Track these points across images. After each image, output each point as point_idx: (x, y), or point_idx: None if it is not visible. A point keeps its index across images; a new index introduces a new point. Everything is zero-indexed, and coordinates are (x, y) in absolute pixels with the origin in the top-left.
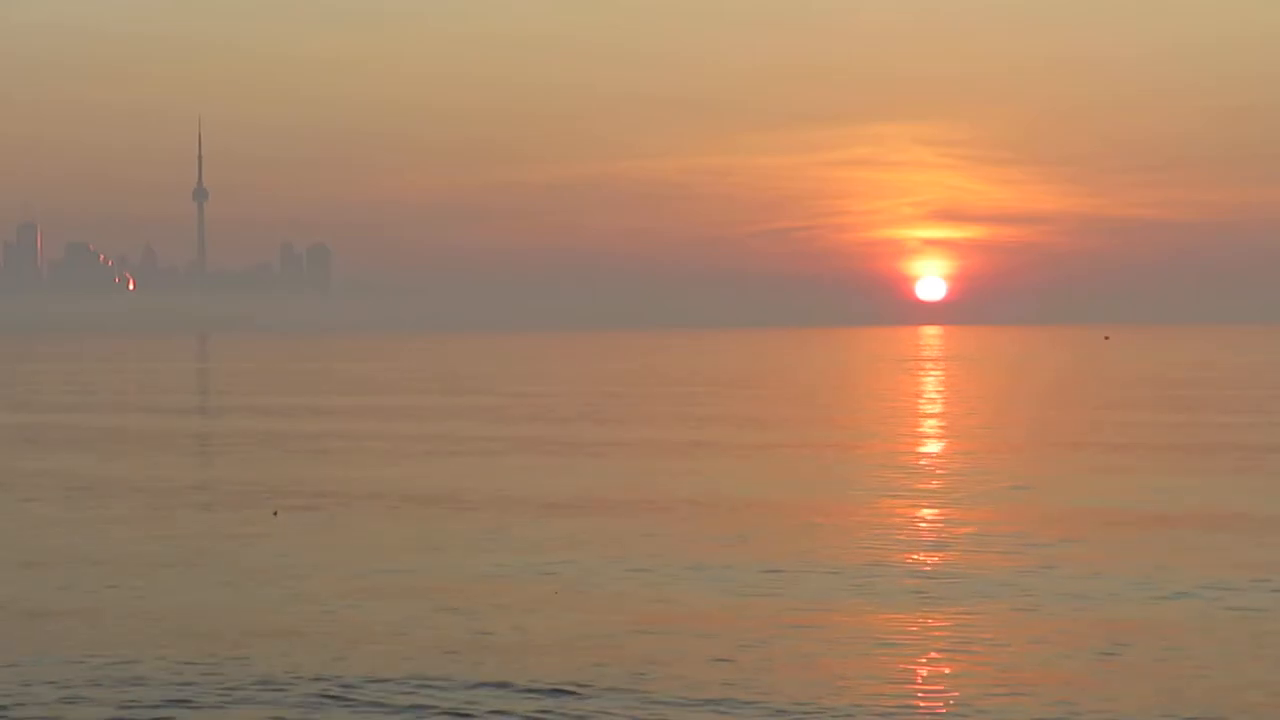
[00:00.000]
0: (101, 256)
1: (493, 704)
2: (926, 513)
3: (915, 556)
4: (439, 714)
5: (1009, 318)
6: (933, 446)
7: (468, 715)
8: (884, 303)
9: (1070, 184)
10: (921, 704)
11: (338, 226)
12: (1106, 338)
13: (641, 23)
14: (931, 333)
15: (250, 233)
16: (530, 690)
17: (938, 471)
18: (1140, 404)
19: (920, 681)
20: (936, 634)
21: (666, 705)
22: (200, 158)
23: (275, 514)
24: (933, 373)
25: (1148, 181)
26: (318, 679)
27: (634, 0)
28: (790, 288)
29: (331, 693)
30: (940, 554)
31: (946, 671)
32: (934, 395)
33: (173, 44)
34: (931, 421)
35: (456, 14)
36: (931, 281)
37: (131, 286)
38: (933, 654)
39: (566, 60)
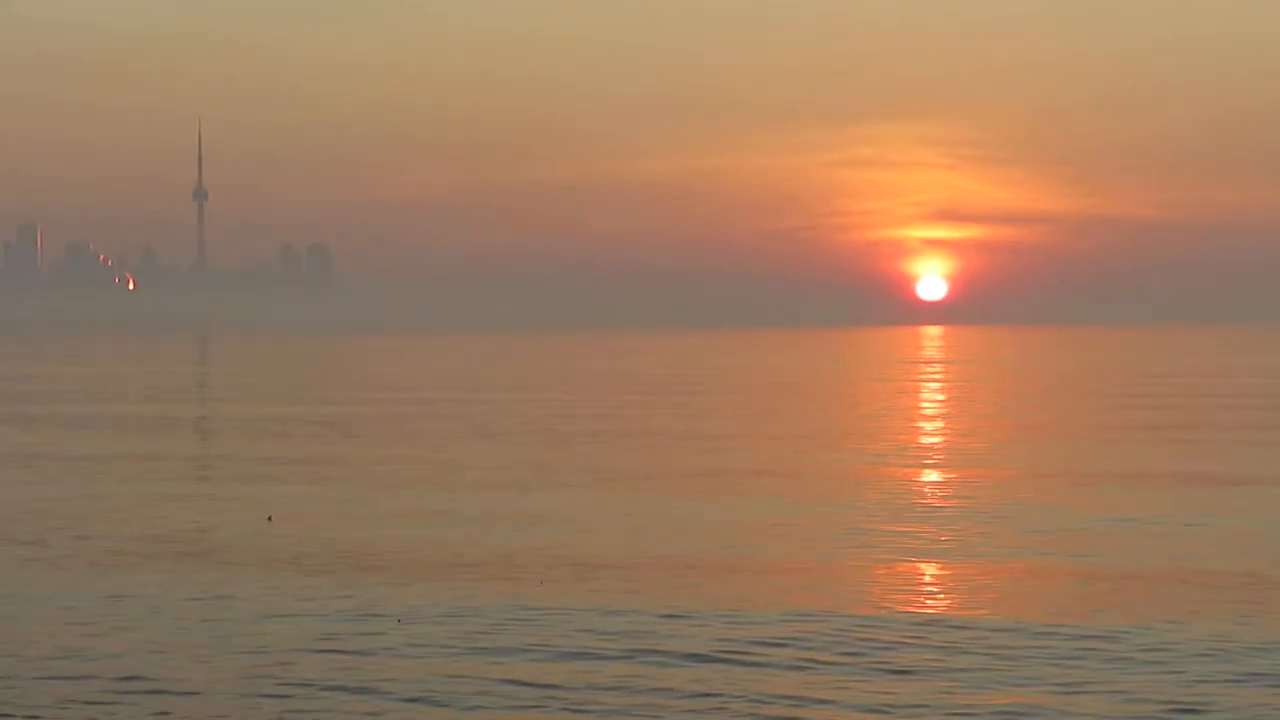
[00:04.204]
0: (101, 256)
1: None
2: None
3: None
4: None
5: (1009, 317)
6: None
7: None
8: (885, 303)
9: (1070, 184)
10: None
11: (338, 226)
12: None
13: (641, 22)
14: (933, 333)
15: (250, 233)
16: None
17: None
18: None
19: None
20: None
21: None
22: (200, 158)
23: (269, 519)
24: (929, 377)
25: (1148, 182)
26: None
27: (634, 0)
28: (790, 288)
29: None
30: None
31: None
32: (928, 402)
33: (173, 44)
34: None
35: (456, 14)
36: (932, 281)
37: (131, 286)
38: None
39: (566, 60)
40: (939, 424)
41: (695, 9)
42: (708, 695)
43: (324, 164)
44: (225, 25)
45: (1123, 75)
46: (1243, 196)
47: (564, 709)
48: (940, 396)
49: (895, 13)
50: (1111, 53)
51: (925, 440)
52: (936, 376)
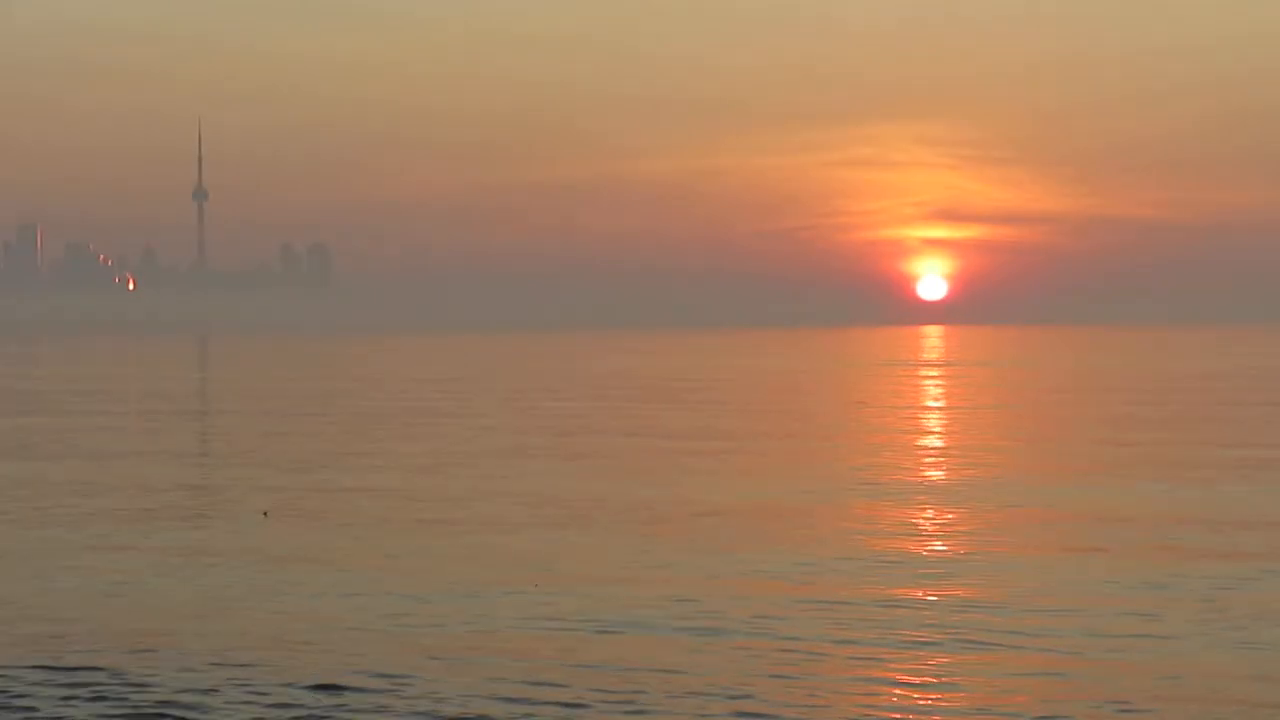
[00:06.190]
0: (101, 256)
1: None
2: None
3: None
4: None
5: (1010, 317)
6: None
7: None
8: (885, 303)
9: (1070, 184)
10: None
11: (338, 226)
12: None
13: (641, 22)
14: (933, 333)
15: (250, 233)
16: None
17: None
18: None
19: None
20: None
21: None
22: (200, 158)
23: (265, 514)
24: (929, 379)
25: (1148, 181)
26: None
27: (634, 0)
28: (790, 288)
29: None
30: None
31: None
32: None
33: (173, 44)
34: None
35: (456, 15)
36: (932, 281)
37: (131, 286)
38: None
39: (566, 60)
40: (945, 439)
41: (695, 9)
42: None
43: (324, 164)
44: (225, 25)
45: (1123, 75)
46: (1243, 196)
47: None
48: (945, 402)
49: (895, 13)
50: (1111, 53)
51: (931, 469)
52: (939, 379)
